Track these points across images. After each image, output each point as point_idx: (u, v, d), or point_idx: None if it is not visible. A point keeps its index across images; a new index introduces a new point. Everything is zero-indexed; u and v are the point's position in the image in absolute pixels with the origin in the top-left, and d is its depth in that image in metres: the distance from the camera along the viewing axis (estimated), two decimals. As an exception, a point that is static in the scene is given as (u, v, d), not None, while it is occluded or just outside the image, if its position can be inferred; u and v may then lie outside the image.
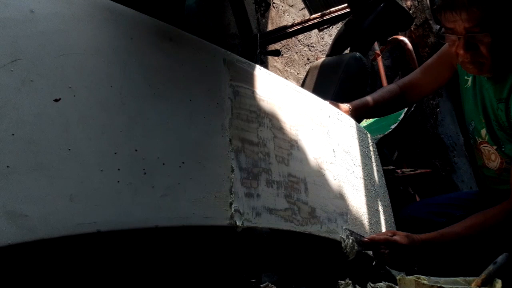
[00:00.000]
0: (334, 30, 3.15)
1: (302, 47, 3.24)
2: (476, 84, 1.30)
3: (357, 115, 1.46)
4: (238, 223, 0.89)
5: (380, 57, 3.08)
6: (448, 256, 1.25)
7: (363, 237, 1.18)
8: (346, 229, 1.16)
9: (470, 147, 1.43)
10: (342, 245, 1.12)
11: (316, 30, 3.03)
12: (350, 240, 1.13)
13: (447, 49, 1.29)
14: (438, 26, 2.96)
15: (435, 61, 1.47)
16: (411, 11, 2.95)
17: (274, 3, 3.06)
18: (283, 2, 3.15)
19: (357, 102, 1.48)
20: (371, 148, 1.45)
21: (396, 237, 1.14)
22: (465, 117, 1.39)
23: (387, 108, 1.56)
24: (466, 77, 1.35)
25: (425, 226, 1.33)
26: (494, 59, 1.11)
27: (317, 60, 2.96)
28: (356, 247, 1.13)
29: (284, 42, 3.00)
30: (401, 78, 3.51)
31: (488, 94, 1.25)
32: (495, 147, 1.26)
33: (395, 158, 2.75)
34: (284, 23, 2.89)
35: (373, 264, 1.30)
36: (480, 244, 1.18)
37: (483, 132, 1.29)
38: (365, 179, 1.34)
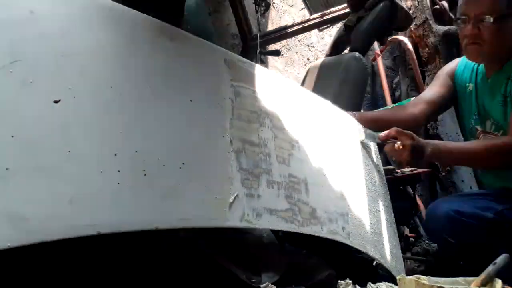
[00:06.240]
0: (334, 30, 3.14)
1: (302, 47, 3.24)
2: (478, 89, 1.51)
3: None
4: (239, 224, 0.89)
5: (380, 57, 3.08)
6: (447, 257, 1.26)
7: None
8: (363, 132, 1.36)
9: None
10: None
11: (316, 30, 3.02)
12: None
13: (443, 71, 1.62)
14: (439, 27, 2.96)
15: (435, 81, 1.66)
16: (411, 11, 2.94)
17: (274, 3, 3.06)
18: (283, 2, 3.15)
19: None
20: (372, 147, 1.45)
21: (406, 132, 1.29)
22: (464, 114, 1.57)
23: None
24: (467, 84, 1.55)
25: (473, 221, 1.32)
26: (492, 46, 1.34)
27: (317, 60, 2.95)
28: None
29: (284, 42, 2.99)
30: (401, 78, 3.53)
31: (491, 90, 1.44)
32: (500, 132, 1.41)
33: (395, 158, 2.74)
34: (284, 23, 2.89)
35: (373, 264, 1.30)
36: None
37: (488, 123, 1.45)
38: (366, 179, 1.34)
